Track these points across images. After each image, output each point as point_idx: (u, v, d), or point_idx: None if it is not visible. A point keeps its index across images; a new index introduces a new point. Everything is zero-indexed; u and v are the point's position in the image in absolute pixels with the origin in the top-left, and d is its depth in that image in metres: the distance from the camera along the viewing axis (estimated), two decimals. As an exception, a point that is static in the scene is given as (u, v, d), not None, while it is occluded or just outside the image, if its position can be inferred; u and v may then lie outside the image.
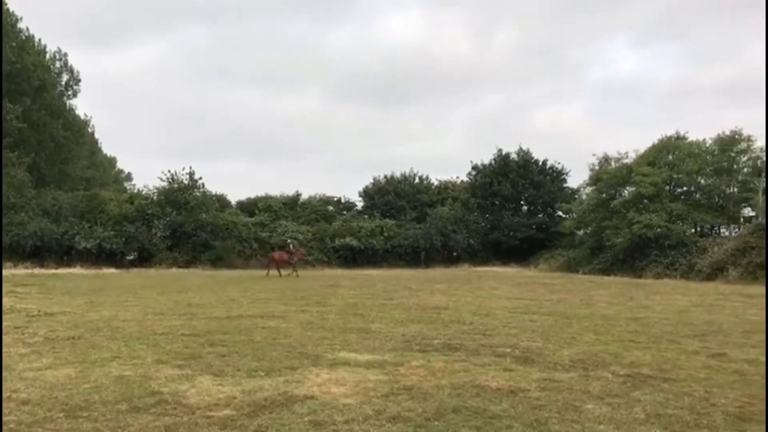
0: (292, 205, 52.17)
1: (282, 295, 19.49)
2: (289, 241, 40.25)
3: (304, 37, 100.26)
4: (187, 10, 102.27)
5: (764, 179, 32.17)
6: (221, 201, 50.19)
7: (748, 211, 39.44)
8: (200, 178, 46.25)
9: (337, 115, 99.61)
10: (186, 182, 45.59)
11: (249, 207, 51.92)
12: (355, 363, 8.37)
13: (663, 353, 9.45)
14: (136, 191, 50.33)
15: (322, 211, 52.34)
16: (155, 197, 45.64)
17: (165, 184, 45.60)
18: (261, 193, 53.65)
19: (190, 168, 46.20)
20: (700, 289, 24.24)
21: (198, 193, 45.83)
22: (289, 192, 53.52)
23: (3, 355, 8.64)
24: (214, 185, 68.40)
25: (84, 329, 11.36)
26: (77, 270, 36.81)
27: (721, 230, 39.89)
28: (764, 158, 37.96)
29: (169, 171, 45.85)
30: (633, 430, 5.58)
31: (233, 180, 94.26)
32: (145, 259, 42.47)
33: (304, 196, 53.64)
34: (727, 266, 29.92)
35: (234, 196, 54.06)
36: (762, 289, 23.47)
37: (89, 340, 10.21)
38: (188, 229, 43.63)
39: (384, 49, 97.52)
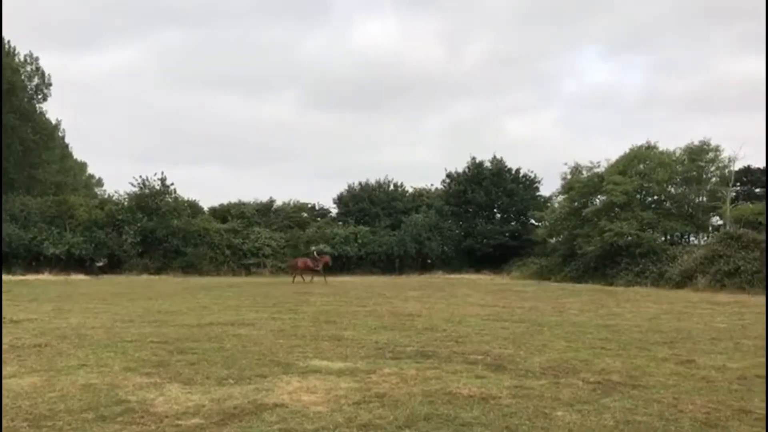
0: (265, 211, 51.91)
1: (254, 303, 19.34)
2: (313, 248, 40.54)
3: (279, 43, 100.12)
4: (161, 14, 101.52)
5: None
6: (193, 207, 49.71)
7: (716, 220, 40.16)
8: (172, 184, 45.95)
9: (311, 121, 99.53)
10: (158, 188, 45.17)
11: (222, 213, 51.53)
12: (326, 370, 8.32)
13: (633, 360, 9.53)
14: (106, 196, 49.79)
15: (295, 218, 52.14)
16: (126, 203, 45.15)
17: (136, 189, 45.20)
18: (234, 199, 53.34)
19: (162, 173, 45.89)
20: (669, 297, 24.56)
21: (170, 199, 45.42)
22: (263, 198, 53.33)
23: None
24: (186, 191, 67.62)
25: (50, 336, 11.15)
26: (45, 276, 36.23)
27: (690, 238, 40.56)
28: (732, 168, 38.72)
29: (140, 176, 45.49)
30: (602, 437, 5.62)
31: (206, 186, 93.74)
32: (115, 266, 41.96)
33: (278, 203, 53.48)
34: (696, 274, 30.37)
35: (206, 202, 53.68)
36: (729, 298, 23.88)
37: (56, 347, 10.02)
38: (159, 235, 43.19)
39: (359, 56, 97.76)
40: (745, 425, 6.03)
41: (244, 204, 52.07)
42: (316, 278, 34.52)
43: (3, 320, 13.35)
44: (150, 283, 31.59)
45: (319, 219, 54.53)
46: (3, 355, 9.21)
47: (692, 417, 6.28)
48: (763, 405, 6.80)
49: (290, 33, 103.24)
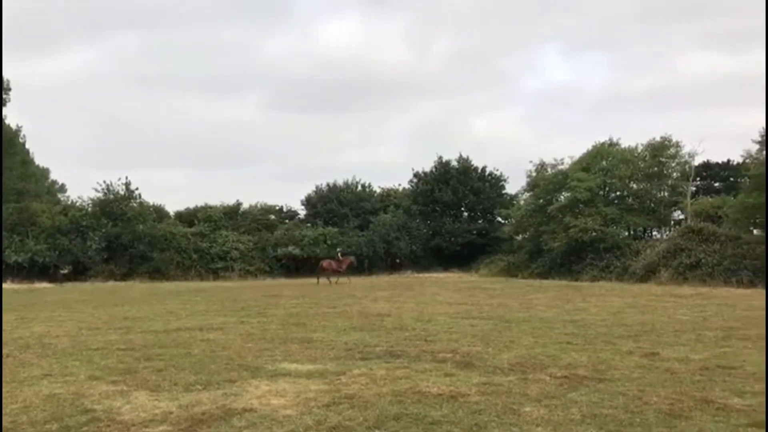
0: (232, 214, 51.47)
1: (222, 307, 19.17)
2: (338, 250, 40.97)
3: (240, 44, 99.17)
4: (118, 16, 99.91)
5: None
6: (159, 211, 49.11)
7: (677, 215, 40.97)
8: (137, 189, 45.36)
9: (276, 122, 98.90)
10: (122, 193, 44.57)
11: (188, 217, 50.98)
12: (296, 373, 8.29)
13: (598, 354, 9.68)
14: (69, 202, 48.87)
15: (263, 221, 51.82)
16: (90, 208, 44.45)
17: (100, 194, 44.53)
18: (200, 203, 52.82)
19: (126, 178, 45.28)
20: (633, 291, 24.98)
21: (135, 204, 44.83)
22: (230, 201, 52.85)
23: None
24: (151, 195, 66.85)
25: (13, 347, 10.91)
26: (8, 285, 35.38)
27: (653, 233, 41.31)
28: (692, 164, 39.54)
29: (104, 181, 44.85)
30: (569, 431, 5.69)
31: (171, 190, 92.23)
32: (80, 273, 41.25)
33: (245, 206, 53.06)
34: (659, 268, 30.95)
35: (172, 207, 53.02)
36: (691, 290, 24.37)
37: (18, 357, 9.81)
38: (125, 240, 42.59)
39: (322, 56, 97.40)
40: (708, 415, 6.16)
41: (210, 207, 51.58)
42: (332, 278, 35.61)
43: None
44: (116, 290, 31.12)
45: (287, 221, 54.25)
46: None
47: (656, 408, 6.40)
48: (725, 394, 6.97)
49: (252, 34, 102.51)
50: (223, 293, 26.94)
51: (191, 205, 52.74)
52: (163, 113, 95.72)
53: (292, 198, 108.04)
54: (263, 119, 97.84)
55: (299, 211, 56.86)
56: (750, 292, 23.27)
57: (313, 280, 37.72)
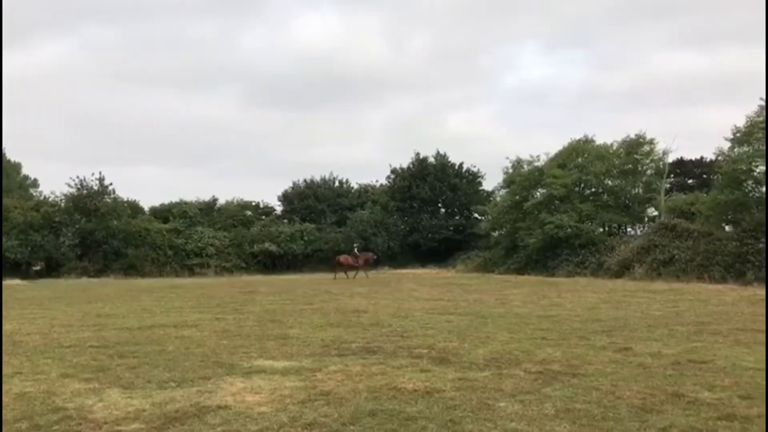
0: (208, 210, 51.14)
1: (197, 304, 19.04)
2: (355, 245, 40.83)
3: (216, 39, 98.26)
4: (92, 9, 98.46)
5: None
6: (133, 207, 48.58)
7: (651, 211, 41.46)
8: (111, 184, 44.81)
9: (252, 118, 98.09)
10: (96, 188, 44.01)
11: (163, 213, 50.53)
12: (271, 370, 8.26)
13: (573, 349, 9.77)
14: (42, 198, 48.16)
15: (239, 217, 51.54)
16: (63, 204, 43.85)
17: (73, 190, 43.94)
18: (175, 198, 52.33)
19: (100, 173, 44.69)
20: (608, 286, 25.24)
21: (109, 200, 44.30)
22: (205, 197, 52.47)
23: None
24: (125, 191, 65.73)
25: (-18, 345, 10.73)
26: (-23, 282, 34.79)
27: (628, 229, 41.77)
28: (666, 161, 40.02)
29: (77, 177, 44.20)
30: (543, 426, 5.73)
31: (146, 185, 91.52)
32: (52, 269, 40.68)
33: (221, 202, 52.77)
34: (633, 264, 31.28)
35: (147, 202, 52.50)
36: (664, 286, 24.69)
37: (-12, 356, 9.66)
38: (99, 237, 42.09)
39: (299, 52, 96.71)
40: (678, 409, 6.25)
41: (186, 203, 51.16)
42: (355, 273, 36.00)
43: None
44: (90, 287, 30.74)
45: (264, 217, 54.01)
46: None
47: (629, 403, 6.48)
48: (696, 388, 7.07)
49: (227, 29, 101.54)
50: (198, 290, 26.74)
51: (166, 201, 52.33)
52: (138, 108, 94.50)
53: (268, 194, 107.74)
54: (239, 114, 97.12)
55: (276, 207, 56.69)
56: (721, 287, 23.63)
57: (291, 276, 37.69)
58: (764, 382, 7.31)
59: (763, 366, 8.27)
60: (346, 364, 8.61)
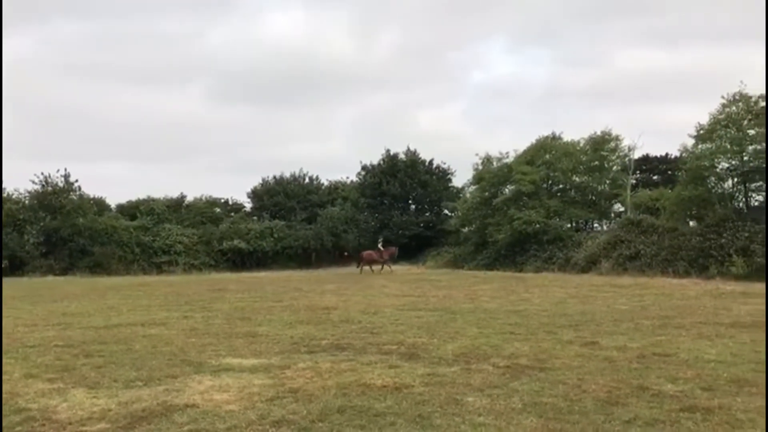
0: (176, 207, 50.61)
1: (165, 302, 18.84)
2: (380, 239, 41.46)
3: (182, 34, 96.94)
4: (57, 5, 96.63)
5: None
6: (100, 204, 47.86)
7: (617, 207, 42.07)
8: (76, 181, 44.07)
9: (220, 114, 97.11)
10: (61, 185, 43.24)
11: (130, 210, 49.88)
12: (239, 368, 8.22)
13: (540, 344, 9.88)
14: (5, 195, 47.16)
15: (208, 214, 51.10)
16: (27, 201, 42.98)
17: (37, 187, 43.12)
18: (143, 195, 51.69)
19: (65, 170, 43.90)
20: (575, 281, 25.55)
21: (74, 197, 43.55)
22: (173, 194, 51.88)
23: None
24: (91, 188, 64.57)
25: (-58, 346, 10.49)
26: (-63, 281, 33.95)
27: (594, 225, 42.33)
28: (632, 157, 40.63)
29: (42, 173, 43.36)
30: (511, 420, 5.79)
31: (112, 182, 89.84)
32: (16, 268, 39.81)
33: (189, 198, 52.24)
34: (599, 259, 31.70)
35: (113, 200, 51.75)
36: (630, 280, 25.07)
37: (-52, 357, 9.44)
38: (64, 234, 41.36)
39: (267, 48, 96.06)
40: (643, 401, 6.36)
41: (153, 200, 50.55)
42: (375, 267, 36.63)
43: None
44: (55, 285, 30.18)
45: (233, 214, 53.60)
46: None
47: (595, 396, 6.58)
48: (660, 381, 7.20)
49: (194, 24, 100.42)
50: (166, 288, 26.43)
51: (133, 198, 51.67)
52: (104, 104, 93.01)
53: (237, 191, 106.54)
54: (207, 110, 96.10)
55: (245, 204, 56.31)
56: (685, 281, 24.08)
57: (260, 273, 37.46)
58: (725, 374, 7.48)
59: (725, 359, 8.47)
60: (315, 361, 8.60)
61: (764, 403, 6.17)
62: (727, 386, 6.92)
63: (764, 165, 29.58)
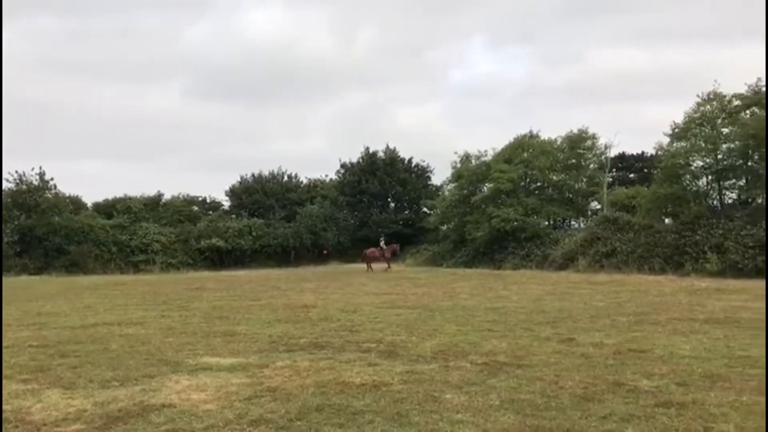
0: (153, 206, 50.19)
1: (142, 301, 18.67)
2: (381, 237, 40.93)
3: (160, 31, 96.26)
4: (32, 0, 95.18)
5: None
6: (76, 203, 47.35)
7: (594, 205, 42.47)
8: (52, 179, 43.63)
9: (198, 111, 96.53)
10: (36, 183, 42.73)
11: (106, 209, 49.41)
12: (217, 367, 8.17)
13: (518, 341, 9.94)
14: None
15: (186, 212, 50.76)
16: (1, 200, 42.35)
17: (12, 185, 42.55)
18: (119, 194, 51.23)
19: (40, 168, 43.42)
20: (553, 278, 25.76)
21: (49, 195, 43.08)
22: (150, 192, 51.44)
23: None
24: (67, 186, 63.85)
25: None
26: None
27: (572, 223, 42.69)
28: (608, 155, 41.02)
29: (16, 171, 42.82)
30: (488, 417, 5.82)
31: (89, 181, 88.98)
32: (-10, 267, 39.25)
33: (167, 197, 51.86)
34: (576, 256, 31.98)
35: (90, 198, 51.26)
36: (607, 277, 25.33)
37: None
38: (39, 233, 40.87)
39: (245, 45, 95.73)
40: (619, 397, 6.43)
41: (130, 199, 50.13)
42: (378, 266, 36.02)
43: None
44: (30, 284, 29.78)
45: (211, 212, 53.28)
46: None
47: (571, 392, 6.63)
48: (635, 377, 7.28)
49: (171, 21, 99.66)
50: (143, 287, 26.20)
51: (110, 197, 51.19)
52: (80, 101, 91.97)
53: (215, 189, 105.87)
54: (185, 108, 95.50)
55: (223, 203, 56.01)
56: (661, 278, 24.38)
57: (238, 272, 37.27)
58: (699, 370, 7.58)
59: (699, 354, 8.59)
60: (293, 360, 8.58)
61: (736, 398, 6.28)
62: (700, 381, 7.02)
63: (737, 163, 30.07)
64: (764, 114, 28.63)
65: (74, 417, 5.98)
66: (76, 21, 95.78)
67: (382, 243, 38.76)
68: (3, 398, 6.71)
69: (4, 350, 9.82)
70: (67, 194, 46.14)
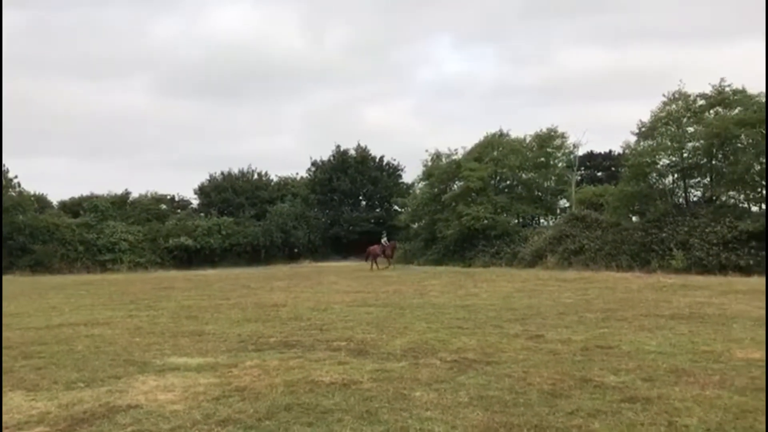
0: (120, 204, 49.53)
1: (109, 301, 18.41)
2: (383, 233, 40.36)
3: (126, 27, 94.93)
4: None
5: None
6: (41, 201, 46.59)
7: (563, 202, 42.96)
8: (16, 177, 42.80)
9: (167, 108, 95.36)
10: (-1, 181, 41.85)
11: (73, 207, 48.68)
12: (185, 367, 8.08)
13: (487, 338, 10.00)
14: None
15: (154, 210, 50.17)
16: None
17: (-27, 183, 41.58)
18: (86, 192, 50.47)
19: (4, 165, 42.49)
20: (522, 276, 25.93)
21: (13, 193, 42.26)
22: (118, 190, 50.75)
23: None
24: (32, 184, 62.69)
25: None
26: None
27: (541, 220, 43.12)
28: (577, 154, 41.50)
29: (-23, 170, 41.82)
30: (457, 414, 5.84)
31: (54, 178, 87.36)
32: (-50, 267, 38.38)
33: (135, 195, 51.21)
34: (545, 253, 32.29)
35: (55, 196, 50.46)
36: (575, 274, 25.60)
37: None
38: (3, 232, 40.00)
39: (214, 41, 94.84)
40: (586, 393, 6.50)
41: (97, 197, 49.41)
42: (375, 264, 35.34)
43: None
44: (-8, 285, 29.15)
45: (179, 211, 52.73)
46: None
47: (539, 389, 6.69)
48: (602, 373, 7.37)
49: (138, 16, 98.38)
50: (110, 286, 25.83)
51: (76, 195, 50.43)
52: (46, 97, 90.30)
53: (184, 187, 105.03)
54: (152, 105, 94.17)
55: (192, 201, 55.50)
56: (628, 275, 24.68)
57: (208, 271, 36.91)
58: (664, 365, 7.70)
59: (664, 350, 8.73)
60: (263, 359, 8.52)
61: (700, 392, 6.39)
62: (666, 376, 7.13)
63: (702, 161, 30.62)
64: (727, 114, 29.23)
65: (37, 419, 5.87)
66: (40, 15, 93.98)
67: (384, 240, 38.61)
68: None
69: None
70: (32, 192, 45.36)
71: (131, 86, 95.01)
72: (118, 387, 7.06)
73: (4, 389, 7.08)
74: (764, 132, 27.29)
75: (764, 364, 7.57)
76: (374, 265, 35.00)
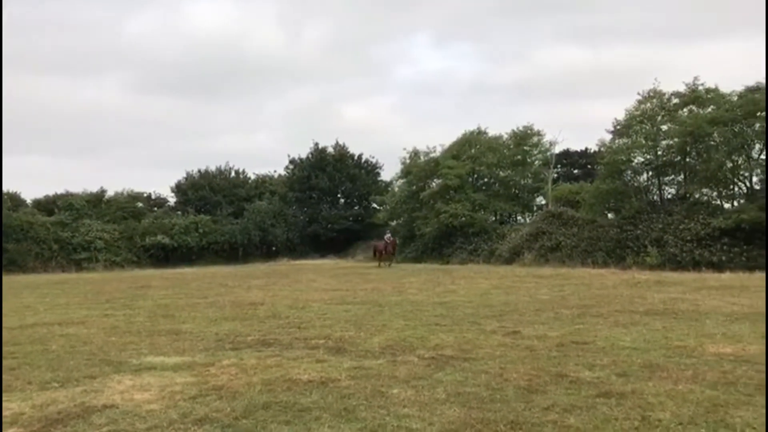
0: (96, 202, 48.97)
1: (84, 300, 18.20)
2: (387, 231, 39.71)
3: (100, 23, 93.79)
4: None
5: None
6: (14, 199, 45.92)
7: (540, 200, 43.29)
8: (-13, 175, 41.96)
9: (143, 105, 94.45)
10: (-30, 179, 41.10)
11: (47, 206, 48.05)
12: (162, 367, 8.02)
13: (465, 334, 10.06)
14: None
15: (130, 209, 49.65)
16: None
17: (-56, 181, 40.82)
18: (61, 190, 49.83)
19: (-25, 164, 41.76)
20: (499, 272, 26.06)
21: (-15, 192, 41.51)
22: (93, 188, 50.18)
23: None
24: (5, 182, 61.77)
25: None
26: None
27: (518, 218, 43.43)
28: (553, 152, 41.81)
29: (-52, 167, 41.03)
30: (434, 411, 5.87)
31: (28, 176, 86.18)
32: None
33: (110, 193, 50.65)
34: (522, 250, 32.54)
35: (29, 194, 49.72)
36: (552, 271, 25.81)
37: None
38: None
39: (191, 38, 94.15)
40: (561, 388, 6.57)
41: (72, 195, 48.79)
42: (390, 261, 35.03)
43: None
44: (-37, 285, 28.68)
45: (156, 209, 52.28)
46: None
47: (516, 384, 6.75)
48: (578, 368, 7.45)
49: (112, 12, 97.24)
50: (86, 285, 25.53)
51: (51, 193, 49.78)
52: (18, 94, 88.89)
53: (161, 185, 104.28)
54: (127, 102, 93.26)
55: (169, 199, 55.05)
56: (604, 271, 24.93)
57: (185, 269, 36.62)
58: (639, 360, 7.81)
59: (639, 345, 8.84)
60: (240, 358, 8.49)
61: (673, 387, 6.49)
62: (640, 372, 7.23)
63: (676, 159, 31.03)
64: (701, 112, 29.63)
65: (11, 420, 5.80)
66: (11, 10, 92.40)
67: (387, 237, 38.49)
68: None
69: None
70: (6, 190, 44.66)
71: (107, 83, 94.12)
72: (93, 387, 6.99)
73: (-24, 390, 6.98)
74: (736, 130, 27.73)
75: (735, 359, 7.72)
76: (381, 263, 34.72)
